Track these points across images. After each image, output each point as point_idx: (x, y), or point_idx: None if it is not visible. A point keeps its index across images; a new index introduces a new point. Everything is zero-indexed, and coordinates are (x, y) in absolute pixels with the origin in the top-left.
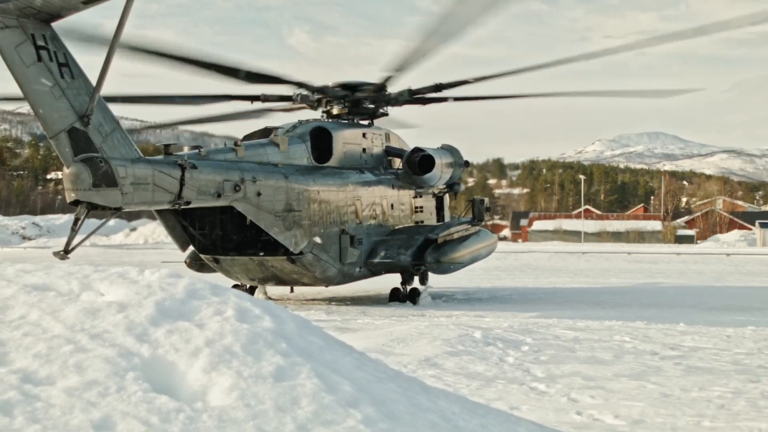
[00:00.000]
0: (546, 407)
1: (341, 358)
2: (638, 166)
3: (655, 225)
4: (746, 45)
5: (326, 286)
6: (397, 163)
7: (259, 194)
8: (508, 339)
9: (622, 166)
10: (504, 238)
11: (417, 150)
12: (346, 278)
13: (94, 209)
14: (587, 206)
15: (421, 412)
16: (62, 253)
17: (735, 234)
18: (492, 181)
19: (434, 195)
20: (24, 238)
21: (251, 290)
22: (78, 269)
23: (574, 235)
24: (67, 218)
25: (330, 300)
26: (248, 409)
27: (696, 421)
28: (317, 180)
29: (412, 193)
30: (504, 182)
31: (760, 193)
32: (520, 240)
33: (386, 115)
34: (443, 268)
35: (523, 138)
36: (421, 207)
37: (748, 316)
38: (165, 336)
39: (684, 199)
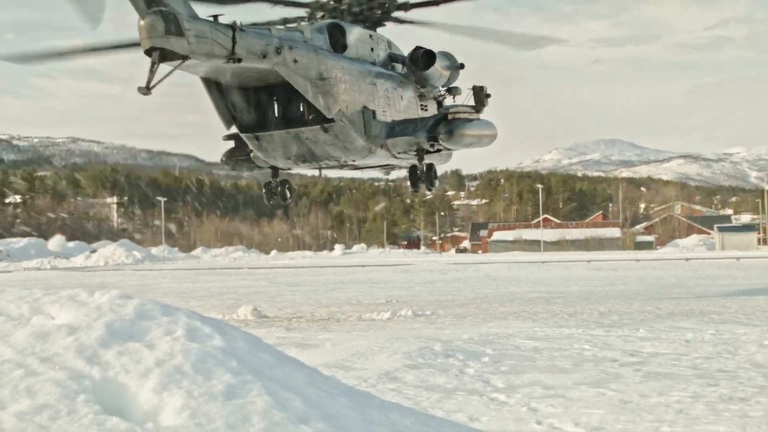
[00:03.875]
0: (506, 417)
1: (292, 375)
2: (596, 174)
3: (614, 232)
4: (699, 50)
5: (353, 161)
6: (399, 69)
7: (295, 61)
8: (468, 350)
9: (579, 174)
10: (464, 250)
11: (419, 47)
12: (370, 153)
13: (164, 60)
14: (546, 215)
15: (372, 426)
16: (145, 89)
17: (694, 239)
18: (450, 193)
19: (435, 99)
20: None
21: (283, 185)
22: (28, 293)
23: (534, 245)
24: (26, 241)
25: (291, 317)
26: (199, 428)
27: (655, 426)
28: (340, 59)
29: (416, 93)
30: (462, 194)
31: (717, 197)
32: (480, 251)
33: (386, 21)
34: (454, 140)
35: (480, 149)
36: (426, 106)
37: (707, 321)
38: (115, 357)
39: (642, 206)
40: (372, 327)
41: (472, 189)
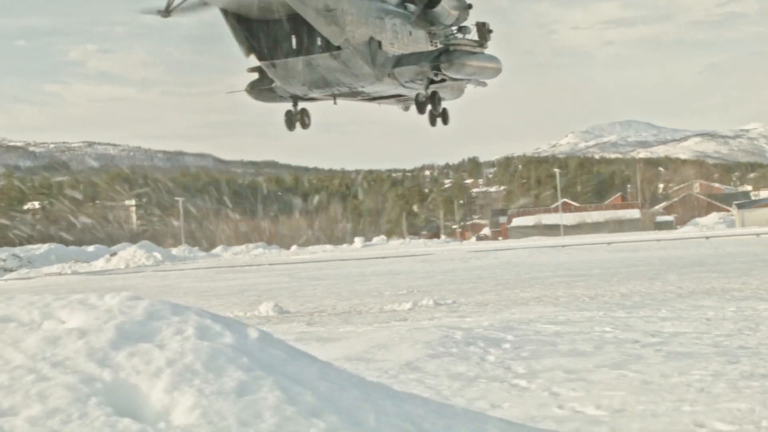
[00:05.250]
0: (528, 403)
1: (304, 369)
2: (613, 156)
3: (634, 213)
4: (712, 27)
5: (362, 88)
6: (411, 9)
7: None
8: (488, 338)
9: (597, 156)
10: (484, 237)
11: None
12: (377, 80)
13: None
14: (565, 199)
15: (386, 418)
16: (165, 12)
17: (713, 217)
18: (469, 181)
19: (445, 37)
20: (5, 270)
21: (303, 113)
22: (39, 298)
23: (554, 229)
24: (47, 247)
25: (312, 312)
26: (211, 426)
27: (676, 406)
28: None
29: (426, 31)
30: (480, 181)
31: (736, 174)
32: (500, 237)
33: None
34: (455, 69)
35: (496, 135)
36: (436, 43)
37: (728, 298)
38: (126, 359)
39: (661, 186)
40: (393, 318)
41: (490, 176)
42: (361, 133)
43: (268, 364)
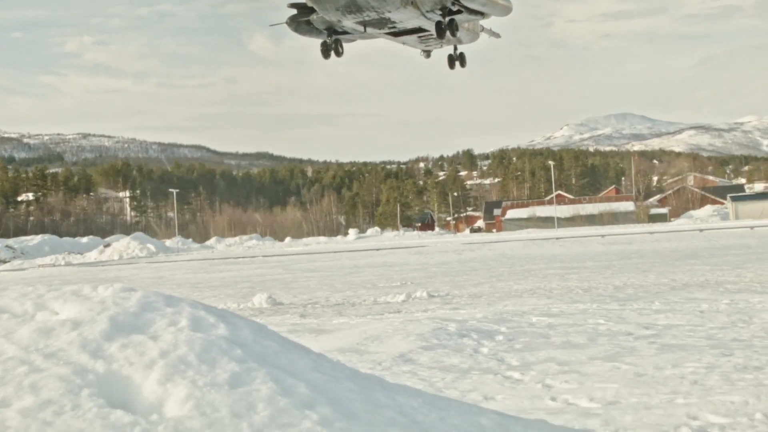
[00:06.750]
0: (521, 395)
1: (297, 361)
2: (607, 148)
3: (628, 206)
4: (708, 20)
5: (389, 13)
6: None
7: None
8: (482, 330)
9: (591, 149)
10: (478, 230)
11: None
12: (402, 5)
13: None
14: (559, 192)
15: (378, 409)
16: None
17: (708, 209)
18: (463, 173)
19: None
20: None
21: (337, 42)
22: (32, 290)
23: (548, 222)
24: (40, 239)
25: (306, 304)
26: (204, 418)
27: (669, 398)
28: None
29: None
30: (475, 173)
31: (730, 166)
32: (494, 230)
33: None
34: None
35: (492, 128)
36: None
37: (722, 291)
38: (119, 350)
39: (655, 178)
40: (387, 310)
41: (485, 168)
42: (355, 125)
43: (261, 355)
